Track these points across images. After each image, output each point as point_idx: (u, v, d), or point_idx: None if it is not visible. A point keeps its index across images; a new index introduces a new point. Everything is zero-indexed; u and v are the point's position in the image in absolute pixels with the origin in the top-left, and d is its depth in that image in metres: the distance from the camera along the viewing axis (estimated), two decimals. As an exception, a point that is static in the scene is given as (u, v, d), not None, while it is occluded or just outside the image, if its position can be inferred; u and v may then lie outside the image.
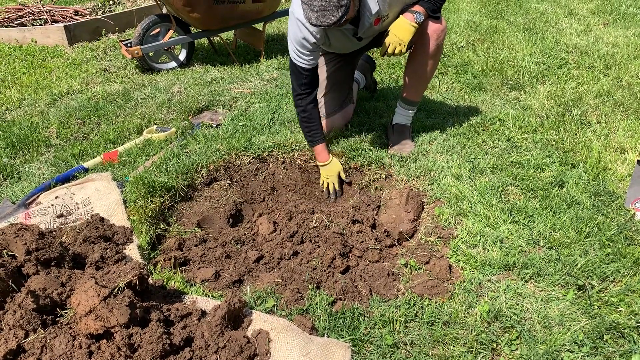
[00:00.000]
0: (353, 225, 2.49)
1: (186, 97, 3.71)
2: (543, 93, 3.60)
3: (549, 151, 2.77)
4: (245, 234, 2.48)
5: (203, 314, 1.74)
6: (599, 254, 2.00)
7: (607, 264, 1.95)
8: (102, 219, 2.22)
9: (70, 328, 1.57)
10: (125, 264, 1.75)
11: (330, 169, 2.69)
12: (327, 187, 2.75)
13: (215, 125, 3.21)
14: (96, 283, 1.59)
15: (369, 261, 2.26)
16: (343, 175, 2.73)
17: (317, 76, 2.60)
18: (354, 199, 2.70)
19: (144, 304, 1.63)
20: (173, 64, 4.58)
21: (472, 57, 4.35)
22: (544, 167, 2.61)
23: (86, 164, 2.77)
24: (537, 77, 3.90)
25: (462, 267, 2.03)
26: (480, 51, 4.49)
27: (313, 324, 1.74)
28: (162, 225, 2.37)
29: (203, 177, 2.63)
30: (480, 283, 1.92)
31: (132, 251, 2.09)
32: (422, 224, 2.38)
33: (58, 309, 1.62)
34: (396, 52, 2.45)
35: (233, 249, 2.34)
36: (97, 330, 1.50)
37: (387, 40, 2.46)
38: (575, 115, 3.22)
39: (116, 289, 1.58)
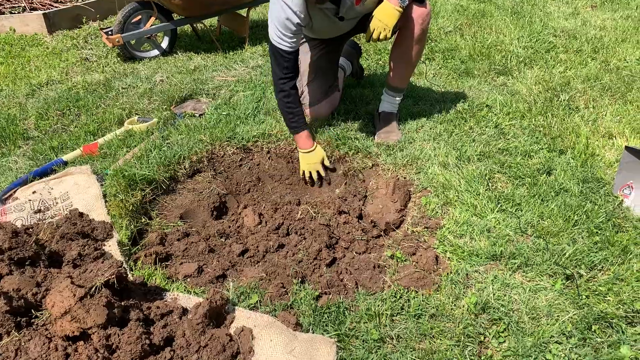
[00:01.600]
0: (339, 216, 2.45)
1: (168, 86, 3.62)
2: (531, 78, 3.56)
3: (537, 137, 2.74)
4: (229, 227, 2.43)
5: (184, 311, 1.70)
6: (587, 242, 1.98)
7: (595, 252, 1.92)
8: (81, 214, 2.15)
9: (46, 330, 1.52)
10: (103, 262, 1.70)
11: (315, 156, 2.59)
12: (310, 176, 2.65)
13: (198, 115, 3.13)
14: (72, 283, 1.53)
15: (356, 252, 2.23)
16: (327, 162, 2.63)
17: (298, 61, 2.53)
18: (341, 189, 2.65)
19: (122, 303, 1.58)
20: (155, 52, 4.47)
21: (459, 42, 4.29)
22: (531, 153, 2.58)
23: (65, 157, 2.69)
24: (524, 62, 3.86)
25: (448, 257, 2.00)
26: (468, 36, 4.44)
27: (297, 319, 1.71)
28: (143, 220, 2.31)
29: (186, 169, 2.57)
30: (467, 274, 1.89)
31: (112, 247, 2.03)
32: (409, 214, 2.34)
33: (33, 310, 1.57)
34: (381, 37, 2.39)
35: (217, 242, 2.29)
36: (74, 332, 1.46)
37: (371, 26, 2.40)
38: (563, 100, 3.19)
39: (93, 289, 1.53)
